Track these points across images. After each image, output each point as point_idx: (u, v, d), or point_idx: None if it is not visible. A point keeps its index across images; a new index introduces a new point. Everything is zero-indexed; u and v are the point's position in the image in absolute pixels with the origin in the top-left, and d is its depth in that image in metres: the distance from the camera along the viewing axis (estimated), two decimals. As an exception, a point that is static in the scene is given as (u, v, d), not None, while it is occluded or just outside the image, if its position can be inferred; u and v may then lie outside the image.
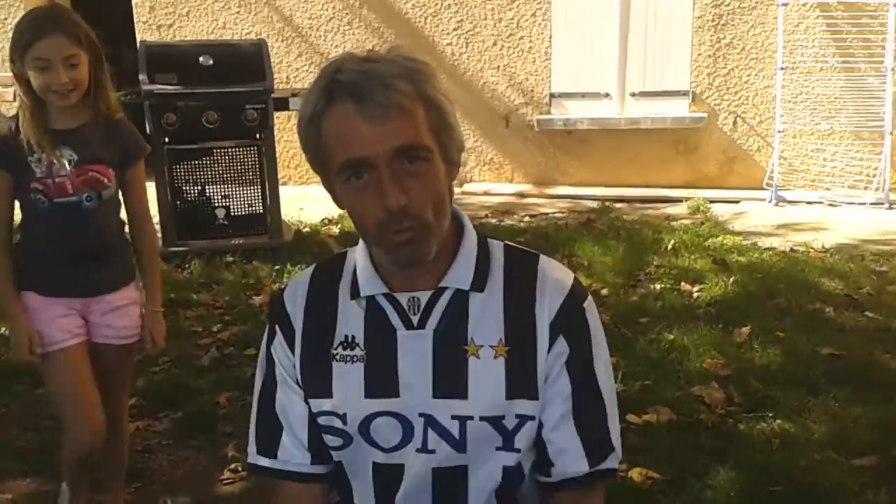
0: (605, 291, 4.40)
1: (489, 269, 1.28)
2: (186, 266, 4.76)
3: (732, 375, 3.35)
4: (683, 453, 2.84)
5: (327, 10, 6.50)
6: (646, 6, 6.31)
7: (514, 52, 6.53)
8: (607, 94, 6.50)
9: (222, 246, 4.87)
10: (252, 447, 1.35)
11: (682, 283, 4.43)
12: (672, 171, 6.51)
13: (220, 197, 4.91)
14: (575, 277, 1.32)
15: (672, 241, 5.10)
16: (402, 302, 1.26)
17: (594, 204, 6.22)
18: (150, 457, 2.96)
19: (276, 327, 1.33)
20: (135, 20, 6.59)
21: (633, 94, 6.47)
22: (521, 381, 1.25)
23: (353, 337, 1.28)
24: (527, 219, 5.92)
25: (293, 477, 1.32)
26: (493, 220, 5.83)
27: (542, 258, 1.32)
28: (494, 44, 6.52)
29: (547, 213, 6.06)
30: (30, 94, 2.13)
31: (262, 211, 4.97)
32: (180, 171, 4.84)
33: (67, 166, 2.18)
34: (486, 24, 6.49)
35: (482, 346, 1.25)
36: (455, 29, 6.52)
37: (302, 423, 1.31)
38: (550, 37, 6.45)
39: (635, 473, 2.73)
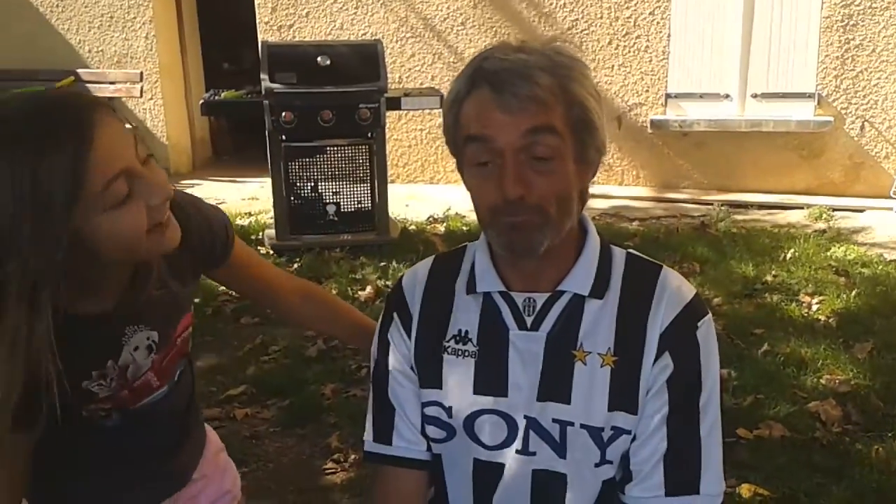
0: (717, 300, 4.25)
1: (609, 276, 1.25)
2: (297, 260, 4.89)
3: (851, 392, 3.18)
4: (796, 471, 2.72)
5: (441, 10, 6.54)
6: (771, 4, 6.07)
7: (629, 52, 6.40)
8: (727, 95, 6.29)
9: (331, 241, 4.97)
10: (368, 434, 1.35)
11: (801, 294, 4.24)
12: (794, 176, 6.24)
13: (331, 193, 5.02)
14: (697, 294, 1.27)
15: (792, 250, 4.88)
16: (517, 301, 1.25)
17: (710, 209, 6.03)
18: (257, 443, 3.05)
19: (394, 314, 1.33)
20: (257, 21, 6.81)
21: (755, 96, 6.23)
22: (623, 393, 1.21)
23: (467, 332, 1.27)
24: (636, 223, 5.79)
25: (406, 464, 1.32)
26: (602, 224, 5.73)
27: (666, 269, 1.28)
28: (609, 42, 6.41)
29: (659, 217, 5.92)
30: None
31: (370, 208, 5.05)
32: (295, 168, 4.97)
33: (146, 356, 1.33)
34: (602, 22, 6.39)
35: (590, 352, 1.22)
36: (570, 28, 6.45)
37: (416, 410, 1.31)
38: (669, 35, 6.29)
39: (744, 490, 2.64)
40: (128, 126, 1.17)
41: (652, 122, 6.43)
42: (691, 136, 6.40)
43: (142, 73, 7.05)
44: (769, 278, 4.51)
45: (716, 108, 6.32)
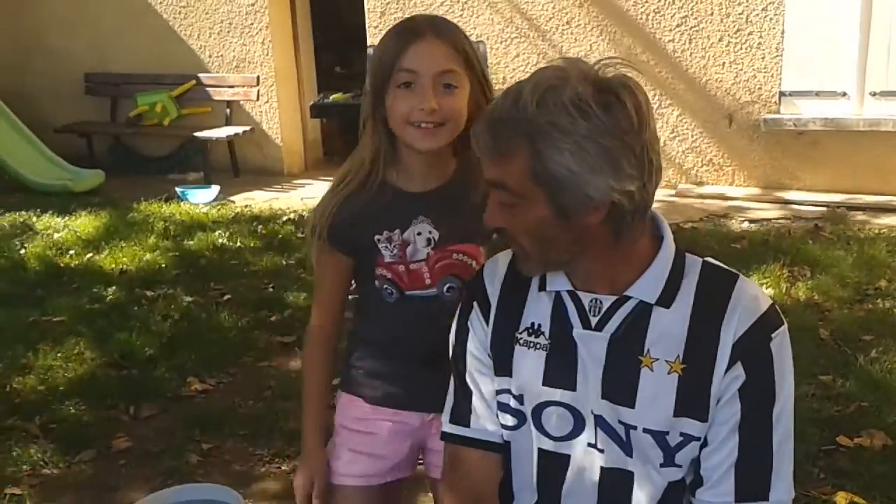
0: (827, 304, 4.12)
1: (680, 285, 1.27)
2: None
3: (963, 404, 3.03)
4: (895, 481, 2.62)
5: (547, 10, 6.55)
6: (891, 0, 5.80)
7: (741, 48, 6.23)
8: (844, 93, 6.04)
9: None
10: (446, 416, 1.42)
11: (916, 301, 4.05)
12: (915, 177, 5.94)
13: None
14: (773, 305, 1.27)
15: (909, 255, 4.67)
16: (584, 301, 1.29)
17: (824, 211, 5.81)
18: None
19: (474, 302, 1.39)
20: (366, 25, 7.00)
21: (874, 94, 5.96)
22: (692, 399, 1.23)
23: (540, 325, 1.32)
24: (746, 224, 5.64)
25: (482, 445, 1.37)
26: (710, 225, 5.61)
27: (742, 279, 1.29)
28: (720, 39, 6.26)
29: (770, 219, 5.74)
30: (384, 136, 1.54)
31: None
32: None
33: (425, 248, 1.58)
34: (713, 19, 6.24)
35: (658, 359, 1.25)
36: (678, 25, 6.33)
37: (491, 395, 1.36)
38: (783, 31, 6.09)
39: (840, 498, 2.57)
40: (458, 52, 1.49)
41: (765, 120, 6.24)
42: (806, 135, 6.18)
43: (258, 77, 7.36)
44: (883, 284, 4.33)
45: (832, 107, 6.08)
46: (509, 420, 1.35)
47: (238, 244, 5.37)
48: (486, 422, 1.37)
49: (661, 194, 6.34)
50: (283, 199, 6.60)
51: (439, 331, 1.51)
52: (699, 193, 6.37)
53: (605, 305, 1.27)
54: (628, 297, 1.26)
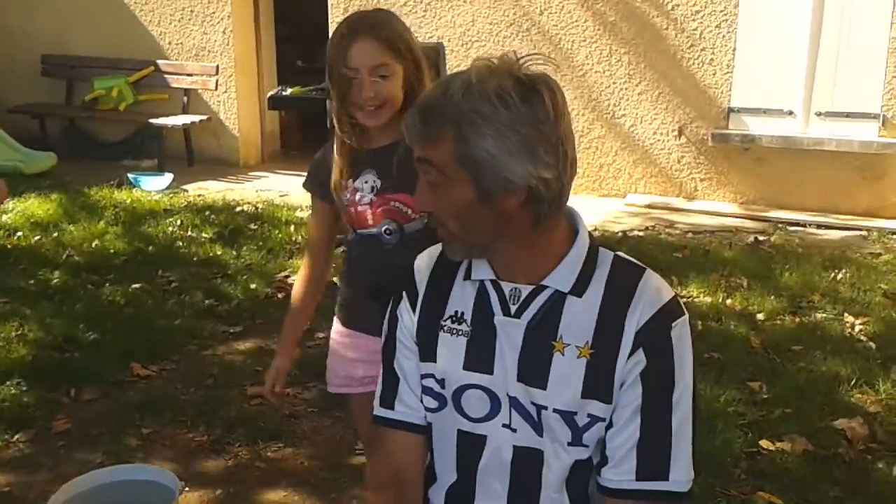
0: (760, 315, 4.26)
1: (592, 276, 1.35)
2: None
3: (881, 413, 3.18)
4: (814, 484, 2.76)
5: (508, 16, 6.65)
6: (840, 23, 5.99)
7: (694, 64, 6.39)
8: (791, 112, 6.23)
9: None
10: (376, 400, 1.50)
11: (846, 315, 4.21)
12: (855, 197, 6.14)
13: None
14: (675, 297, 1.36)
15: (843, 271, 4.84)
16: (505, 290, 1.37)
17: (766, 225, 5.99)
18: (294, 421, 3.21)
19: (404, 293, 1.47)
20: (329, 21, 7.03)
21: (819, 114, 6.17)
22: (598, 382, 1.32)
23: (463, 313, 1.40)
24: (689, 235, 5.79)
25: (405, 427, 1.45)
26: (654, 234, 5.76)
27: (648, 272, 1.38)
28: (674, 54, 6.41)
29: (713, 230, 5.90)
30: (339, 108, 1.91)
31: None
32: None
33: (370, 194, 1.94)
34: (668, 34, 6.40)
35: (569, 344, 1.33)
36: (633, 38, 6.47)
37: (416, 380, 1.44)
38: (734, 49, 6.27)
39: (759, 499, 2.68)
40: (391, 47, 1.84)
41: (713, 135, 6.41)
42: (753, 150, 6.37)
43: (218, 66, 7.34)
44: (816, 297, 4.49)
45: (779, 125, 6.27)
46: (432, 403, 1.42)
47: (189, 233, 5.37)
48: (409, 405, 1.45)
49: (610, 203, 6.47)
50: (238, 190, 6.60)
51: (379, 266, 1.92)
52: (647, 203, 6.52)
53: (524, 294, 1.36)
54: (545, 287, 1.35)
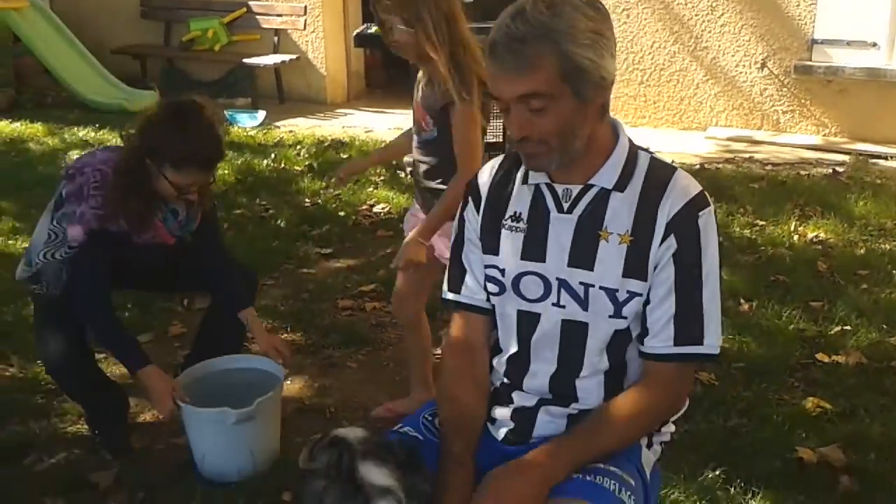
0: (830, 242, 4.36)
1: (632, 174, 1.59)
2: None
3: (939, 330, 3.29)
4: (862, 392, 2.93)
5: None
6: (931, -51, 5.85)
7: (777, -4, 6.36)
8: (875, 44, 6.15)
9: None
10: (445, 285, 1.78)
11: (917, 243, 4.27)
12: (941, 128, 6.07)
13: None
14: (701, 191, 1.58)
15: (921, 201, 4.86)
16: (558, 191, 1.62)
17: (846, 158, 5.98)
18: (381, 330, 3.54)
19: (469, 197, 1.74)
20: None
21: (905, 44, 6.07)
22: (636, 264, 1.56)
23: (520, 213, 1.65)
24: (769, 166, 5.84)
25: (470, 308, 1.73)
26: (732, 166, 5.83)
27: (679, 171, 1.61)
28: (757, -14, 6.38)
29: (792, 163, 5.94)
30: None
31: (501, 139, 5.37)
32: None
33: (418, 99, 2.54)
34: (751, -35, 6.36)
35: (612, 233, 1.57)
36: (717, -30, 6.45)
37: (480, 270, 1.71)
38: (819, -20, 6.20)
39: (809, 402, 2.88)
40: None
41: (796, 67, 6.38)
42: (835, 83, 6.32)
43: (305, 6, 7.62)
44: (889, 225, 4.55)
45: (862, 56, 6.20)
46: (494, 288, 1.69)
47: (282, 166, 5.72)
48: (474, 290, 1.72)
49: (691, 136, 6.54)
50: (326, 127, 6.92)
51: (415, 156, 2.62)
52: (728, 136, 6.56)
53: (574, 193, 1.60)
54: (592, 185, 1.59)
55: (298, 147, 6.16)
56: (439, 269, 2.34)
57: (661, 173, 1.59)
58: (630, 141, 1.63)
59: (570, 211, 1.60)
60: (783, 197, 5.03)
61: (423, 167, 2.60)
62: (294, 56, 7.74)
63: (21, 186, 5.16)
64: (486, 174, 1.74)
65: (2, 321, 3.55)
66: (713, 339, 1.57)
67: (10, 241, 4.37)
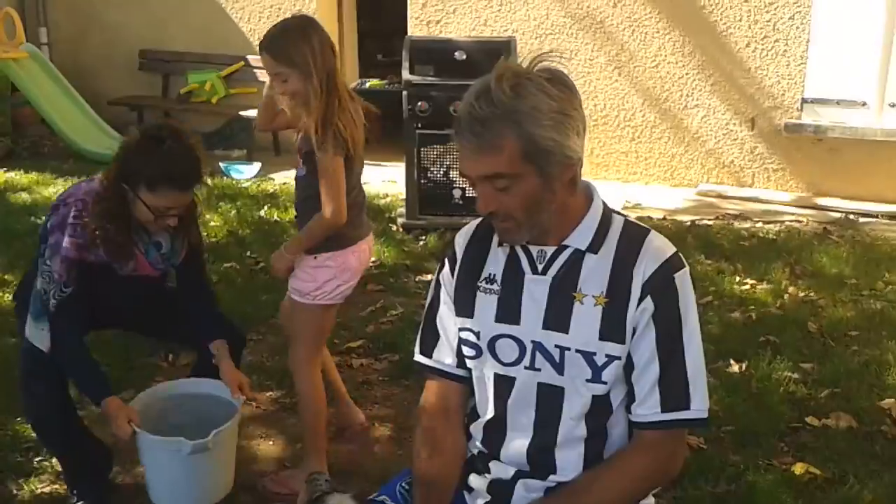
0: (822, 301, 4.36)
1: (606, 235, 1.59)
2: (422, 238, 5.33)
3: (929, 395, 3.27)
4: (853, 457, 2.89)
5: (581, 8, 6.80)
6: (917, 12, 5.96)
7: (767, 55, 6.44)
8: (864, 103, 6.22)
9: (456, 223, 5.34)
10: (417, 348, 1.77)
11: (908, 303, 4.27)
12: (929, 188, 6.10)
13: (458, 179, 5.42)
14: (676, 252, 1.59)
15: (911, 261, 4.87)
16: (533, 253, 1.62)
17: (837, 216, 6.01)
18: (368, 388, 3.50)
19: (446, 259, 1.74)
20: (408, 16, 7.31)
21: (893, 105, 6.14)
22: (612, 326, 1.55)
23: (494, 275, 1.65)
24: (760, 224, 5.86)
25: (443, 374, 1.72)
26: (723, 223, 5.84)
27: (653, 232, 1.62)
28: (747, 45, 6.46)
29: (782, 221, 5.96)
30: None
31: (495, 194, 5.40)
32: (428, 154, 5.40)
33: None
34: (741, 25, 6.45)
35: (587, 294, 1.57)
36: (706, 29, 6.54)
37: (454, 335, 1.70)
38: (808, 41, 6.29)
39: (798, 468, 2.84)
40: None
41: (786, 125, 6.45)
42: (825, 141, 6.38)
43: (302, 60, 7.69)
44: (880, 285, 4.55)
45: (852, 115, 6.27)
46: (470, 351, 1.67)
47: (275, 218, 5.73)
48: (446, 355, 1.71)
49: (681, 193, 6.56)
50: (320, 179, 6.93)
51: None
52: (718, 193, 6.59)
53: (549, 254, 1.60)
54: (566, 246, 1.59)
55: (292, 199, 6.16)
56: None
57: (635, 235, 1.60)
58: (604, 203, 1.64)
59: (544, 272, 1.60)
60: (774, 255, 5.04)
61: (296, 199, 2.82)
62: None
63: (14, 235, 5.15)
64: (462, 238, 1.74)
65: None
66: (700, 403, 1.56)
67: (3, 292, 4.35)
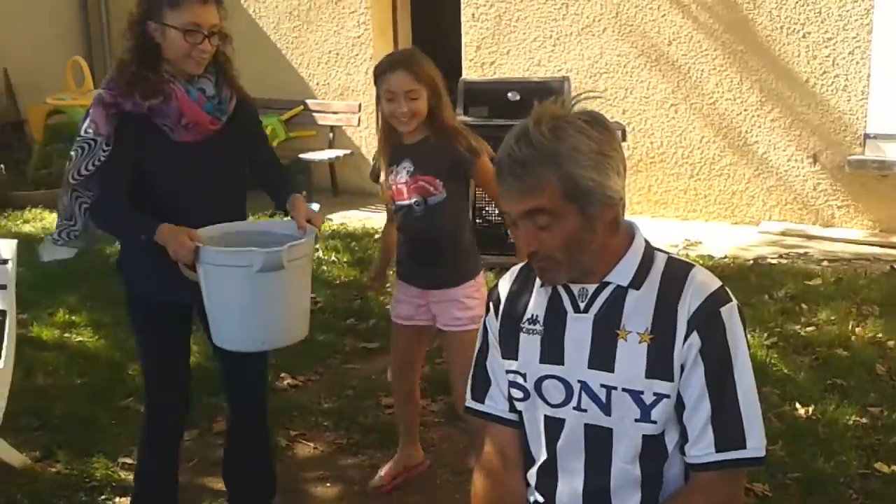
0: (889, 343, 4.22)
1: (648, 272, 1.58)
2: (480, 277, 5.33)
3: None
4: (925, 507, 2.77)
5: (636, 47, 6.80)
6: (984, 44, 5.81)
7: (827, 90, 6.34)
8: (930, 138, 6.07)
9: (511, 262, 5.33)
10: (468, 394, 1.76)
11: (982, 343, 4.11)
12: None
13: (515, 218, 5.42)
14: (722, 286, 1.56)
15: (984, 299, 4.69)
16: (574, 291, 1.61)
17: (905, 254, 5.84)
18: (424, 429, 3.49)
19: (490, 304, 1.74)
20: (462, 58, 7.40)
21: (959, 138, 5.98)
22: (659, 364, 1.53)
23: (537, 316, 1.65)
24: (824, 262, 5.73)
25: (496, 419, 1.71)
26: (787, 261, 5.72)
27: (697, 267, 1.60)
28: (807, 81, 6.38)
29: (848, 259, 5.81)
30: (381, 116, 2.76)
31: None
32: (483, 194, 5.42)
33: (405, 175, 2.71)
34: (799, 61, 6.37)
35: (631, 332, 1.55)
36: (765, 66, 6.48)
37: (503, 380, 1.69)
38: (868, 75, 6.17)
39: (869, 517, 2.73)
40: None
41: (849, 161, 6.32)
42: (890, 177, 6.23)
43: (360, 104, 7.85)
44: (952, 325, 4.39)
45: (918, 150, 6.12)
46: (518, 394, 1.67)
47: (332, 258, 5.80)
48: (498, 400, 1.71)
49: (743, 231, 6.47)
50: (377, 219, 7.00)
51: (414, 230, 2.75)
52: (782, 230, 6.46)
53: (591, 291, 1.59)
54: (608, 283, 1.58)
55: (349, 239, 6.25)
56: (430, 337, 2.95)
57: (678, 270, 1.58)
58: (646, 241, 1.63)
59: (586, 310, 1.59)
60: (839, 294, 4.91)
61: (427, 233, 2.76)
62: (348, 151, 7.94)
63: (82, 278, 5.31)
64: (506, 281, 1.74)
65: (52, 415, 3.60)
66: (757, 442, 1.51)
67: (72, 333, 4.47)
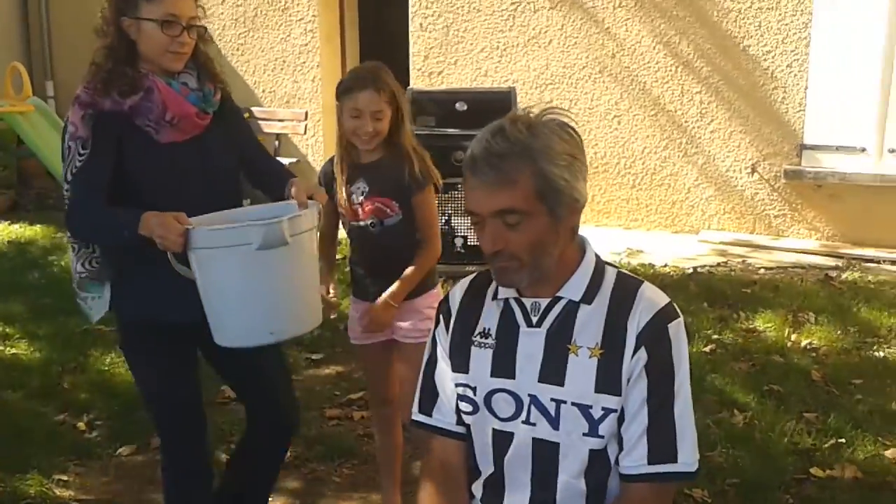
0: (824, 349, 4.33)
1: (600, 287, 1.60)
2: (426, 286, 5.33)
3: (935, 445, 3.23)
4: (858, 510, 2.85)
5: (581, 59, 6.89)
6: (913, 59, 6.02)
7: (766, 102, 6.49)
8: (863, 149, 6.26)
9: (458, 271, 5.37)
10: (415, 406, 1.76)
11: (912, 350, 4.24)
12: (932, 233, 6.10)
13: (461, 228, 5.44)
14: (669, 302, 1.59)
15: (914, 307, 4.85)
16: (527, 305, 1.62)
17: (838, 262, 6.00)
18: (368, 441, 3.47)
19: (440, 316, 1.74)
20: (410, 68, 7.40)
21: (892, 151, 6.17)
22: (608, 378, 1.54)
23: (489, 329, 1.65)
24: (761, 271, 5.86)
25: (442, 432, 1.71)
26: (725, 269, 5.84)
27: (645, 284, 1.62)
28: (747, 93, 6.53)
29: (785, 267, 5.95)
30: (341, 133, 2.62)
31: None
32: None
33: (360, 196, 2.63)
34: (739, 73, 6.52)
35: (581, 346, 1.57)
36: (706, 78, 6.62)
37: (452, 392, 1.69)
38: (806, 87, 6.35)
39: (803, 522, 2.79)
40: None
41: (786, 172, 6.48)
42: (826, 187, 6.40)
43: (307, 112, 7.80)
44: (883, 332, 4.53)
45: (852, 161, 6.30)
46: (467, 407, 1.67)
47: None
48: (446, 413, 1.71)
49: (683, 240, 6.55)
50: (323, 228, 6.97)
51: (369, 249, 2.68)
52: (720, 239, 6.60)
53: (543, 306, 1.61)
54: (560, 298, 1.60)
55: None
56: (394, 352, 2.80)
57: (628, 286, 1.61)
58: (597, 255, 1.66)
59: (538, 325, 1.60)
60: (776, 302, 5.03)
61: (374, 252, 2.69)
62: (294, 159, 7.87)
63: (18, 288, 5.18)
64: (457, 293, 1.74)
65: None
66: (688, 457, 1.54)
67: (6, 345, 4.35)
